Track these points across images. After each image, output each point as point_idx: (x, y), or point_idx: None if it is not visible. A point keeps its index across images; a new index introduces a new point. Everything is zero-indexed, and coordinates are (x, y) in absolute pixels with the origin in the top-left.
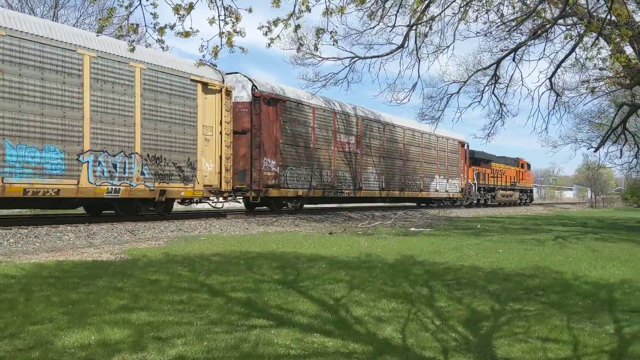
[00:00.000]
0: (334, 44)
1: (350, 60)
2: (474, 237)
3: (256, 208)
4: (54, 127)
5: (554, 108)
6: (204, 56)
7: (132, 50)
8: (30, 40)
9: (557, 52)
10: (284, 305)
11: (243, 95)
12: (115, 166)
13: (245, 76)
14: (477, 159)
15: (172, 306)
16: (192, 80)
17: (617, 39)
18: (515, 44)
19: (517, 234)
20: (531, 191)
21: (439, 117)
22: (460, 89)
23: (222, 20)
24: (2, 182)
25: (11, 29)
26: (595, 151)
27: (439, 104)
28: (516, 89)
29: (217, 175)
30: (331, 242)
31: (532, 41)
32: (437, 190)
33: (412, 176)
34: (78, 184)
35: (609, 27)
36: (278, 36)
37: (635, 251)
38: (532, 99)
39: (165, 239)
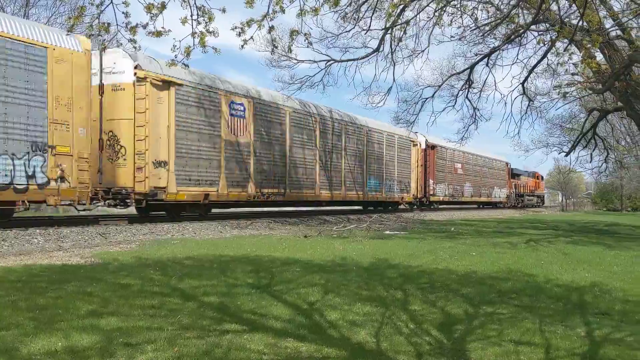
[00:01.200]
0: (308, 46)
1: (326, 63)
2: (448, 241)
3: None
4: (377, 169)
5: (526, 113)
6: (176, 56)
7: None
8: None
9: (529, 58)
10: (258, 310)
11: (422, 145)
12: (391, 186)
13: (422, 135)
14: (514, 174)
15: (143, 311)
16: (409, 140)
17: (588, 45)
18: (489, 49)
19: (490, 237)
20: (543, 196)
21: (414, 121)
22: (434, 93)
23: (195, 20)
24: (367, 194)
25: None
26: (566, 155)
27: (413, 108)
28: (489, 94)
29: (416, 189)
30: (306, 246)
31: (505, 46)
32: (495, 197)
33: (485, 188)
34: (382, 194)
35: (581, 33)
36: (251, 37)
37: (605, 254)
38: (505, 103)
39: (137, 242)
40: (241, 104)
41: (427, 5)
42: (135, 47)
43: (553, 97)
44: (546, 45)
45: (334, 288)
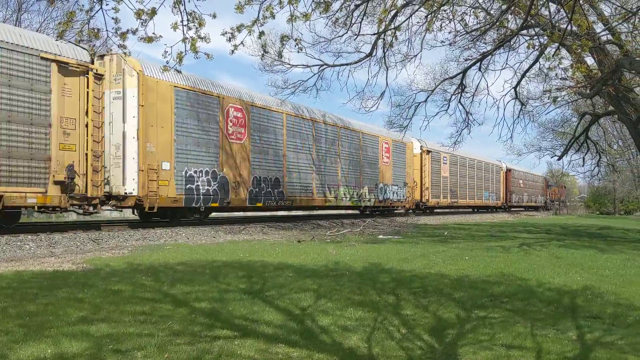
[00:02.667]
0: (298, 51)
1: (318, 68)
2: (440, 245)
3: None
4: (487, 186)
5: (518, 117)
6: (167, 62)
7: None
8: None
9: (521, 62)
10: (249, 316)
11: (504, 169)
12: (492, 196)
13: (504, 162)
14: (548, 185)
15: (134, 317)
16: (499, 167)
17: (578, 49)
18: (480, 54)
19: (483, 241)
20: (565, 201)
21: (407, 125)
22: (427, 97)
23: (186, 25)
24: (484, 201)
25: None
26: (558, 159)
27: (406, 113)
28: (482, 98)
29: (502, 198)
30: (299, 250)
31: (496, 51)
32: (537, 202)
33: (534, 196)
34: (490, 201)
35: (570, 37)
36: (242, 43)
37: (597, 258)
38: (498, 107)
39: (129, 247)
40: (446, 157)
41: (418, 9)
42: (125, 53)
43: (545, 102)
44: (537, 50)
45: (327, 293)
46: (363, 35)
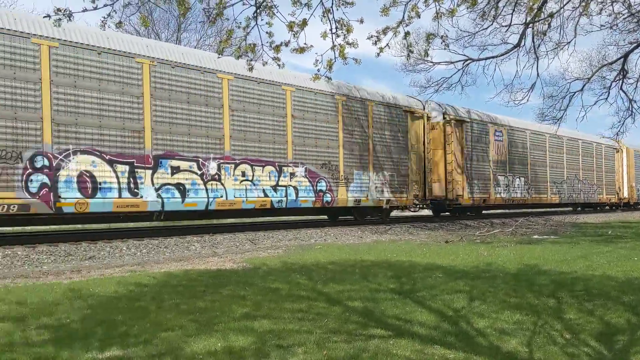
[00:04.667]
0: (445, 48)
1: (463, 63)
2: (604, 245)
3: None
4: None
5: None
6: (318, 70)
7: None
8: None
9: None
10: (402, 316)
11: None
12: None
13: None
14: None
15: (292, 314)
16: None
17: None
18: None
19: None
20: None
21: (562, 117)
22: (583, 86)
23: (334, 33)
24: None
25: None
26: None
27: (560, 103)
28: None
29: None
30: (447, 251)
31: None
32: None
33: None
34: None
35: None
36: (387, 45)
37: None
38: None
39: (283, 247)
40: None
41: None
42: (279, 65)
43: None
44: None
45: (480, 295)
46: (511, 25)
